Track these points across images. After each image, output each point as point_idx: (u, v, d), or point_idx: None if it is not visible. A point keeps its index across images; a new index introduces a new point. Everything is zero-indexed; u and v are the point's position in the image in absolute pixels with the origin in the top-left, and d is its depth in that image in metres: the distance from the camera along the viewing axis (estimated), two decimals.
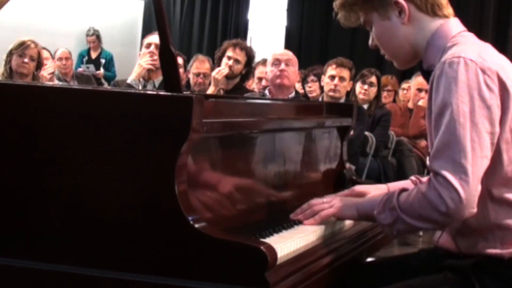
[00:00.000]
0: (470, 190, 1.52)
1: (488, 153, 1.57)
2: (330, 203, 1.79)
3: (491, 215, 1.65)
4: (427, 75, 1.74)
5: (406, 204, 1.61)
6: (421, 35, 1.73)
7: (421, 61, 1.77)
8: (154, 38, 3.96)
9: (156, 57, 3.87)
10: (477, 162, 1.54)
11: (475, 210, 1.55)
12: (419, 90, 5.67)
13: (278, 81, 3.87)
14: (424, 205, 1.56)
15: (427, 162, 5.61)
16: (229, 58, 4.35)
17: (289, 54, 4.00)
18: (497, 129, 1.58)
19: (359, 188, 1.96)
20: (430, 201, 1.55)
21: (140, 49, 4.13)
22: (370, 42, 1.82)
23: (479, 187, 1.55)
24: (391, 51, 1.79)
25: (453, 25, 1.74)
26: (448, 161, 1.54)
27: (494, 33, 7.30)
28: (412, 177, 2.00)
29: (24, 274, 1.51)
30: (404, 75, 6.01)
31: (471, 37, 1.73)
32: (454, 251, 1.73)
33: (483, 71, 1.57)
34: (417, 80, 5.70)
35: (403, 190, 1.65)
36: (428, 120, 1.68)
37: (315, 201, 1.82)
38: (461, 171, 1.53)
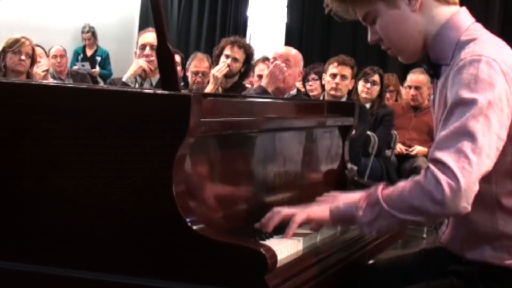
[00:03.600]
0: (470, 182, 1.46)
1: (493, 155, 1.51)
2: (299, 207, 1.68)
3: (499, 224, 1.61)
4: (433, 67, 1.69)
5: (393, 195, 1.53)
6: (432, 23, 1.67)
7: (427, 53, 1.70)
8: (148, 37, 3.93)
9: (152, 58, 3.85)
10: (482, 159, 1.48)
11: (469, 208, 1.48)
12: (409, 87, 5.65)
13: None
14: (417, 193, 1.48)
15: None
16: (227, 56, 4.31)
17: (289, 54, 3.93)
18: (504, 137, 1.53)
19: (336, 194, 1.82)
20: (425, 188, 1.47)
21: (137, 47, 4.11)
22: (369, 37, 1.74)
23: (477, 186, 1.49)
24: (399, 43, 1.70)
25: (464, 16, 1.68)
26: (453, 151, 1.47)
27: (500, 26, 7.28)
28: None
29: (21, 277, 1.49)
30: (405, 74, 5.99)
31: (484, 31, 1.67)
32: (457, 255, 1.70)
33: (504, 74, 1.53)
34: (410, 77, 5.69)
35: (387, 185, 1.58)
36: (436, 116, 1.63)
37: (280, 208, 1.69)
38: (465, 161, 1.46)
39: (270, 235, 1.62)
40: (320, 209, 1.66)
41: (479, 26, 1.68)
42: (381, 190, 1.56)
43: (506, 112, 1.52)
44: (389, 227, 1.57)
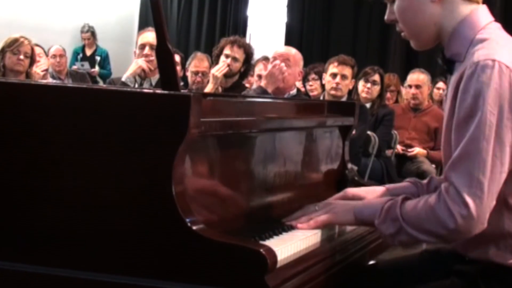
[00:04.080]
0: (483, 208, 1.49)
1: (507, 167, 1.53)
2: (325, 209, 1.73)
3: (505, 223, 1.61)
4: (447, 63, 1.68)
5: (411, 215, 1.56)
6: (449, 18, 1.66)
7: (442, 49, 1.70)
8: (148, 37, 3.92)
9: (152, 58, 3.84)
10: (495, 178, 1.50)
11: (485, 225, 1.52)
12: (409, 86, 5.66)
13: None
14: (431, 219, 1.52)
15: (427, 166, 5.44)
16: (227, 56, 4.30)
17: (289, 53, 3.91)
18: None
19: (351, 191, 1.89)
20: (438, 215, 1.51)
21: (136, 46, 4.11)
22: (387, 16, 1.73)
23: (493, 203, 1.51)
24: (413, 29, 1.70)
25: (482, 14, 1.67)
26: (465, 174, 1.50)
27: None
28: (410, 179, 1.93)
29: (21, 277, 1.49)
30: (406, 74, 5.99)
31: (500, 31, 1.66)
32: (460, 253, 1.70)
33: None
34: (411, 77, 5.69)
35: (406, 198, 1.61)
36: (447, 120, 1.63)
37: (308, 208, 1.77)
38: (477, 186, 1.49)
39: (270, 235, 1.62)
40: (345, 211, 1.70)
41: (495, 26, 1.67)
42: (400, 205, 1.59)
43: None
44: (411, 242, 1.61)
